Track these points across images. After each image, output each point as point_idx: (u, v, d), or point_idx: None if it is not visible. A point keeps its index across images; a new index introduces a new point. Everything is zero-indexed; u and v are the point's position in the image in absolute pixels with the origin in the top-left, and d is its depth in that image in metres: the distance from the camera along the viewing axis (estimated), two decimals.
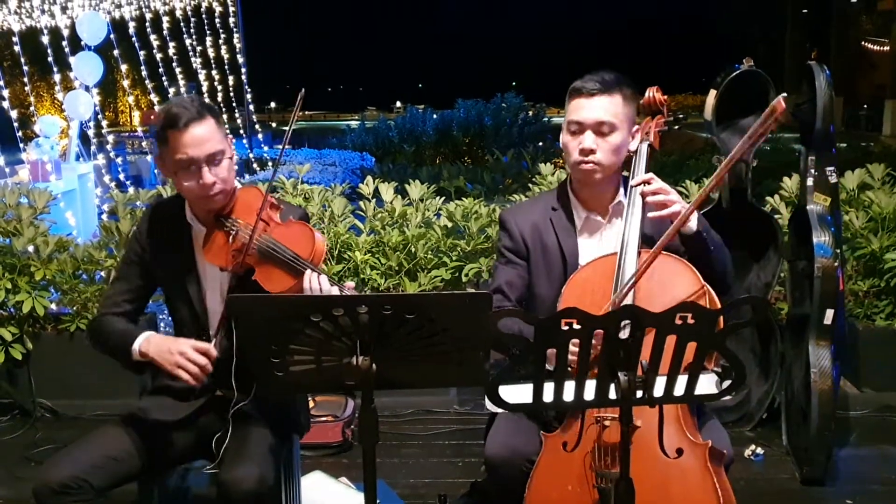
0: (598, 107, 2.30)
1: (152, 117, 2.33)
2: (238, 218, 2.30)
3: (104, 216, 7.65)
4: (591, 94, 2.30)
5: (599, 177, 2.35)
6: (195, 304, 2.36)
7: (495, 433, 2.32)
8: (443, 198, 4.41)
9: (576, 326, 1.62)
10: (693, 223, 2.20)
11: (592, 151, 2.30)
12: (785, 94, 2.04)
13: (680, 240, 2.23)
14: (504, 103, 19.07)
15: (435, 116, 19.20)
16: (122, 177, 10.56)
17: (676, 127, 2.51)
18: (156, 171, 13.98)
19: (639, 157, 2.38)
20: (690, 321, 1.63)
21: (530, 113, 19.45)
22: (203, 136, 2.20)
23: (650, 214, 2.24)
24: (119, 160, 10.75)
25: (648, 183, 2.23)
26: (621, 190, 2.41)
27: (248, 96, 16.98)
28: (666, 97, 2.51)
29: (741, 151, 2.09)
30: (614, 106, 2.30)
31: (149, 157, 14.33)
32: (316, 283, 2.14)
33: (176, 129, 2.19)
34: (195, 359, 2.16)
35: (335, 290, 2.12)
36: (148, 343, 2.24)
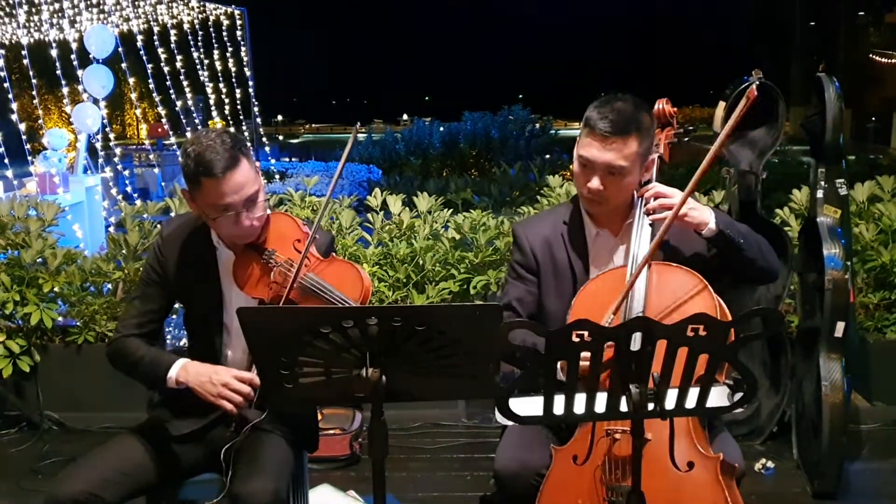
0: (610, 149, 2.20)
1: (182, 156, 2.24)
2: (274, 249, 2.26)
3: (111, 229, 7.67)
4: (604, 137, 2.19)
5: (608, 210, 2.33)
6: (213, 321, 2.34)
7: (505, 447, 2.30)
8: (450, 210, 4.41)
9: (587, 338, 1.60)
10: (712, 224, 2.16)
11: (600, 192, 2.26)
12: (759, 81, 2.06)
13: (708, 243, 2.22)
14: (511, 116, 19.12)
15: (442, 129, 19.24)
16: (129, 189, 10.59)
17: (686, 139, 2.49)
18: (163, 183, 14.04)
19: (649, 169, 2.36)
20: (703, 333, 1.62)
21: (537, 125, 19.49)
22: (240, 182, 2.13)
23: (650, 217, 2.23)
24: (126, 173, 10.77)
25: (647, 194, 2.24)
26: (635, 207, 2.35)
27: (255, 109, 17.02)
28: (675, 109, 2.49)
29: (724, 139, 2.13)
30: (627, 149, 2.20)
31: (156, 170, 14.39)
32: None
33: (212, 178, 2.11)
34: (239, 388, 2.15)
35: None
36: (185, 372, 2.22)
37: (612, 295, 2.19)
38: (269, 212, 2.32)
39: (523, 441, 2.28)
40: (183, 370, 2.23)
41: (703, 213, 2.18)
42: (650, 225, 2.26)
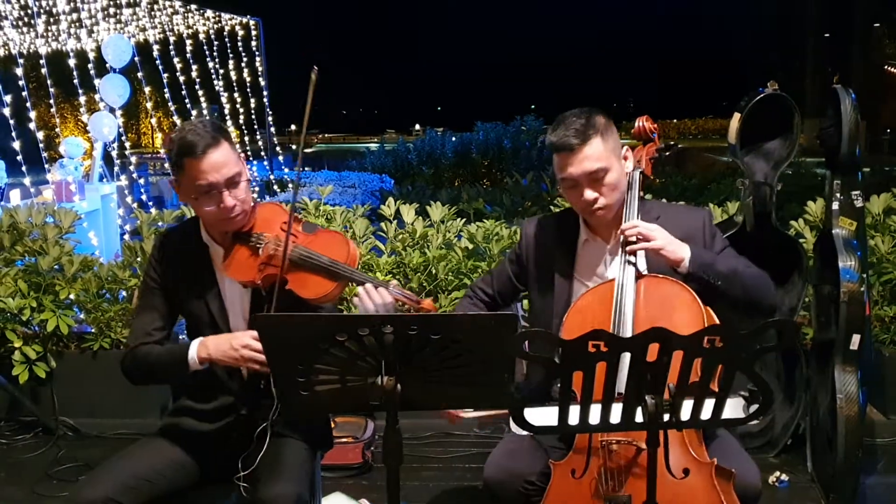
0: (582, 159, 2.26)
1: (167, 144, 2.35)
2: (261, 232, 2.30)
3: (126, 236, 7.72)
4: (571, 150, 2.25)
5: (612, 215, 2.35)
6: (219, 324, 2.34)
7: (494, 455, 2.33)
8: (463, 219, 4.42)
9: (603, 349, 1.61)
10: (686, 262, 2.18)
11: (597, 200, 2.29)
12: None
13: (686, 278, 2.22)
14: (523, 126, 19.12)
15: (454, 139, 19.26)
16: (144, 198, 10.66)
17: (667, 153, 2.52)
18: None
19: (632, 185, 2.38)
20: (718, 344, 1.62)
21: None
22: (220, 160, 2.20)
23: (629, 248, 2.23)
24: (141, 181, 10.84)
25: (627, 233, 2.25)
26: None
27: (270, 119, 17.12)
28: (656, 125, 2.52)
29: None
30: (596, 150, 2.26)
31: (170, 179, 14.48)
32: (377, 296, 2.18)
33: (193, 157, 2.18)
34: (257, 346, 2.14)
35: (388, 296, 2.18)
36: (205, 347, 2.23)
37: (602, 308, 2.21)
38: (254, 202, 2.37)
39: (513, 450, 2.31)
40: (202, 346, 2.23)
41: (679, 251, 2.20)
42: (633, 264, 2.24)
